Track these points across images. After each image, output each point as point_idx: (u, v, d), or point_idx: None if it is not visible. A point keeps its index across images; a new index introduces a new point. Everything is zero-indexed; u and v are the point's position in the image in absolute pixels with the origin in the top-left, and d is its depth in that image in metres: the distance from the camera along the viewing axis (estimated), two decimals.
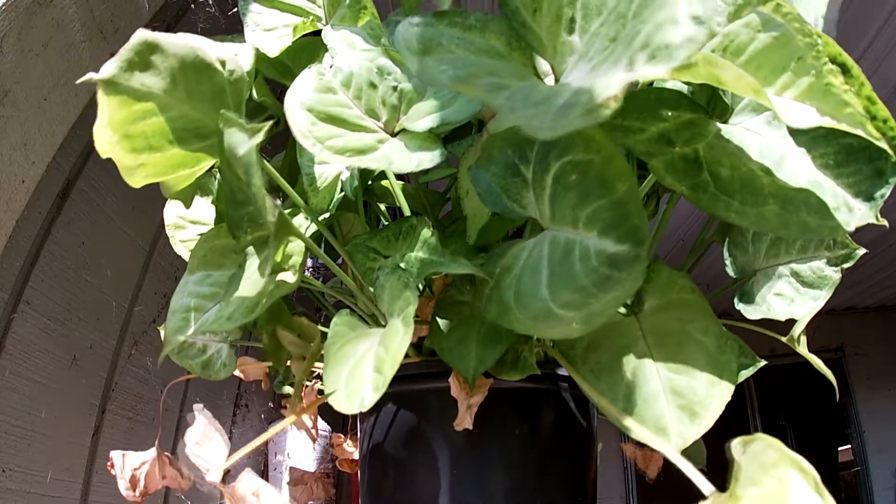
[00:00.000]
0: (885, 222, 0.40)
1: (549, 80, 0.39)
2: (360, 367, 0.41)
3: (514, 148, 0.40)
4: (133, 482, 0.62)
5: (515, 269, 0.41)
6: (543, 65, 0.41)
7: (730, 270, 0.65)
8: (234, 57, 0.45)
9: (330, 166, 0.60)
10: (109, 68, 0.38)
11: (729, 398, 0.41)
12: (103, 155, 0.40)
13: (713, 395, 0.40)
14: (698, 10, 0.26)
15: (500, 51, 0.39)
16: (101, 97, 0.39)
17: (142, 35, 0.40)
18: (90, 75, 0.37)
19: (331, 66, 0.52)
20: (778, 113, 0.35)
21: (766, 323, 0.62)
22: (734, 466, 0.30)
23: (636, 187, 0.35)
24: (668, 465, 0.37)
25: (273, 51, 0.64)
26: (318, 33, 0.66)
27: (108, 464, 0.62)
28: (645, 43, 0.27)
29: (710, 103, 0.45)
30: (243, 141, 0.38)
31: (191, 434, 0.48)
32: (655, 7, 0.28)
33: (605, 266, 0.34)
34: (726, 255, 0.65)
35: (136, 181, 0.43)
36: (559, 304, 0.36)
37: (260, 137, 0.38)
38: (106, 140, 0.40)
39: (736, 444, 0.30)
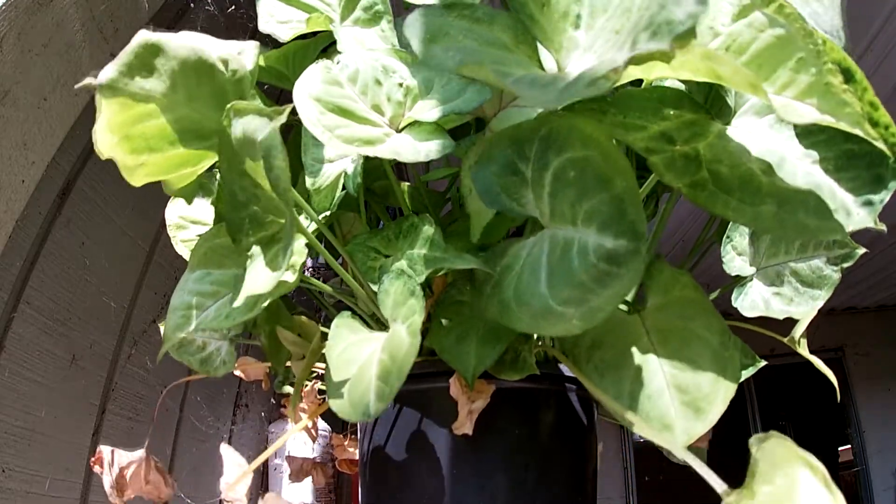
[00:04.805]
0: (883, 227, 0.40)
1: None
2: (364, 373, 0.41)
3: (514, 146, 0.40)
4: (119, 481, 0.61)
5: (516, 267, 0.41)
6: (547, 61, 0.41)
7: (728, 270, 0.65)
8: (238, 56, 0.45)
9: (332, 165, 0.60)
10: (109, 73, 0.38)
11: (733, 394, 0.41)
12: (103, 156, 0.41)
13: (718, 391, 0.41)
14: None
15: (506, 43, 0.39)
16: (101, 101, 0.39)
17: (143, 37, 0.40)
18: (89, 80, 0.37)
19: (337, 63, 0.52)
20: (777, 109, 0.35)
21: (767, 323, 0.62)
22: (752, 461, 0.30)
23: (635, 183, 0.35)
24: (668, 465, 0.37)
25: (284, 37, 0.65)
26: (316, 34, 0.66)
27: (95, 457, 0.62)
28: (648, 23, 0.28)
29: (708, 102, 0.45)
30: (263, 125, 0.38)
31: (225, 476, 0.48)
32: None
33: (604, 262, 0.34)
34: (724, 254, 0.65)
35: (136, 180, 0.43)
36: (558, 301, 0.36)
37: (282, 119, 0.37)
38: (106, 142, 0.40)
39: (754, 441, 0.31)
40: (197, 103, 0.43)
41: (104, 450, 0.62)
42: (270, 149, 0.38)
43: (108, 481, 0.61)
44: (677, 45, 0.27)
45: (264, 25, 0.66)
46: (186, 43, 0.42)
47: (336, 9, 0.66)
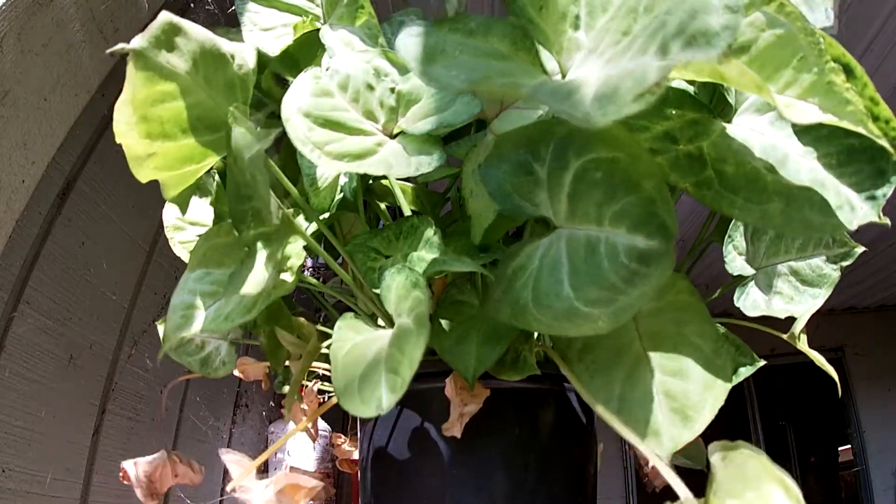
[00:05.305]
0: (887, 221, 0.40)
1: (555, 78, 0.40)
2: (374, 368, 0.41)
3: (527, 147, 0.40)
4: (150, 488, 0.62)
5: (530, 268, 0.40)
6: (549, 64, 0.41)
7: (729, 269, 0.65)
8: (241, 53, 0.46)
9: None
10: (139, 41, 0.39)
11: (722, 402, 0.41)
12: (118, 138, 0.41)
13: (707, 399, 0.41)
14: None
15: (504, 53, 0.39)
16: (130, 70, 0.39)
17: (166, 16, 0.40)
18: (121, 45, 0.38)
19: (327, 69, 0.52)
20: (780, 109, 0.35)
21: (767, 321, 0.62)
22: (711, 473, 0.30)
23: (663, 183, 0.35)
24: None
25: (273, 50, 0.64)
26: (317, 31, 0.66)
27: (121, 475, 0.62)
28: (679, 30, 0.27)
29: (713, 102, 0.45)
30: (251, 144, 0.38)
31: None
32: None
33: (635, 262, 0.34)
34: (725, 254, 0.65)
35: (143, 174, 0.43)
36: (585, 301, 0.36)
37: (268, 143, 0.38)
38: (125, 119, 0.40)
39: (716, 450, 0.30)
40: (213, 90, 0.44)
41: (127, 465, 0.62)
42: (255, 171, 0.38)
43: (140, 492, 0.61)
44: (722, 60, 0.27)
45: (248, 36, 0.65)
46: (203, 30, 0.43)
47: (320, 4, 0.66)
